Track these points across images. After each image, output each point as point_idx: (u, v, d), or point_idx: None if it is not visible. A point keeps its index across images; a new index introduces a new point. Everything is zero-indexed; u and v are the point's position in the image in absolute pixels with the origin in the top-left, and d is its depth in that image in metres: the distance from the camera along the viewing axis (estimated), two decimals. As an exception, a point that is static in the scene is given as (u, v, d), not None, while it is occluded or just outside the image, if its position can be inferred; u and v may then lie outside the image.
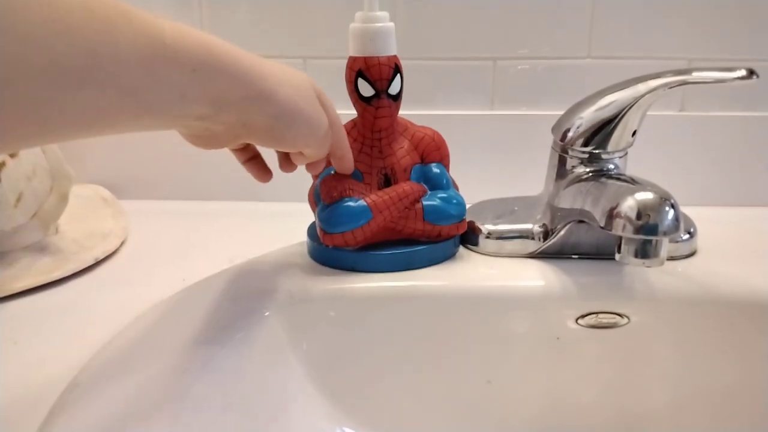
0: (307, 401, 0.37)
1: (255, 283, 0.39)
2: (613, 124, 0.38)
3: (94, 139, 0.59)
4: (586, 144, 0.39)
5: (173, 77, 0.24)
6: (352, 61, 0.38)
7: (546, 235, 0.41)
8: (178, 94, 0.24)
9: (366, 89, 0.38)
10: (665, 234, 0.32)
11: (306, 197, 0.43)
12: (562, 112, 0.41)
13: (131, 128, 0.24)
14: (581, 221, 0.39)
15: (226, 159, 0.58)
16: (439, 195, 0.40)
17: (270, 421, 0.34)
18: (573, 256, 0.41)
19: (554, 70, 0.55)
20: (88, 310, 0.39)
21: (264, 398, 0.35)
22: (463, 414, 0.40)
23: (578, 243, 0.41)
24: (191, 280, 0.40)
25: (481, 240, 0.43)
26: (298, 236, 0.44)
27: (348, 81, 0.39)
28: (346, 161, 0.38)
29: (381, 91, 0.38)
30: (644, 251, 0.34)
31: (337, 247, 0.39)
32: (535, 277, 0.40)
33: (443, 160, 0.42)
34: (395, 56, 0.38)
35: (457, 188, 0.42)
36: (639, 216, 0.32)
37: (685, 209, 0.36)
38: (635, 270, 0.40)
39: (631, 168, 0.40)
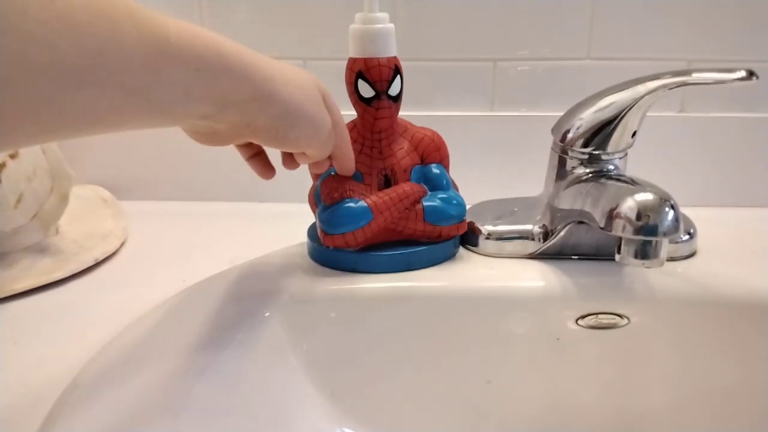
0: (307, 401, 0.37)
1: (255, 283, 0.39)
2: (613, 125, 0.38)
3: (94, 140, 0.59)
4: (585, 145, 0.39)
5: (177, 76, 0.23)
6: (352, 62, 0.38)
7: (546, 235, 0.41)
8: (182, 93, 0.24)
9: (366, 90, 0.38)
10: (665, 235, 0.32)
11: (306, 198, 0.43)
12: (561, 113, 0.41)
13: (134, 126, 0.24)
14: (581, 222, 0.39)
15: (226, 159, 0.58)
16: (440, 196, 0.40)
17: (270, 421, 0.34)
18: (573, 257, 0.42)
19: (554, 71, 0.55)
20: (88, 310, 0.39)
21: (264, 398, 0.35)
22: (463, 414, 0.40)
23: (578, 244, 0.41)
24: (192, 281, 0.40)
25: (481, 241, 0.43)
26: (299, 237, 0.44)
27: (348, 82, 0.39)
28: (348, 162, 0.38)
29: (381, 92, 0.38)
30: (644, 252, 0.34)
31: (338, 248, 0.39)
32: (535, 277, 0.40)
33: (443, 161, 0.42)
34: (395, 57, 0.39)
35: (457, 189, 0.42)
36: (639, 217, 0.32)
37: (684, 210, 0.36)
38: (635, 271, 0.40)
39: (631, 169, 0.40)
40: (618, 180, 0.36)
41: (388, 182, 0.41)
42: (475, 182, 0.48)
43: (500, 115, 0.56)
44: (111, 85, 0.21)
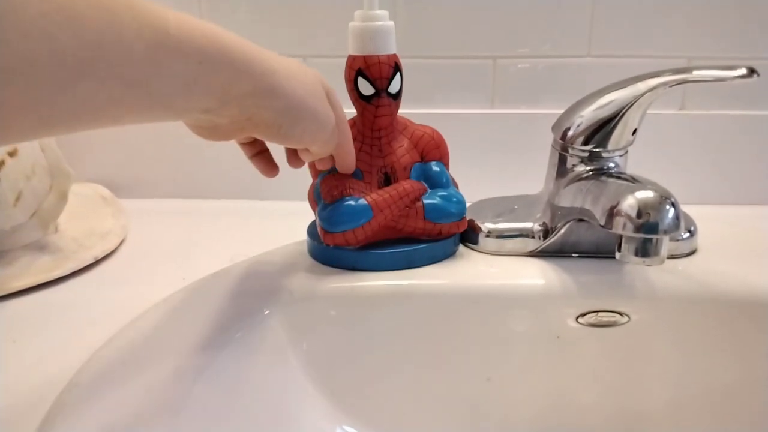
0: (307, 400, 0.37)
1: (255, 282, 0.39)
2: (614, 123, 0.38)
3: (93, 138, 0.59)
4: (586, 142, 0.39)
5: (178, 69, 0.23)
6: (352, 59, 0.38)
7: (546, 233, 0.41)
8: (183, 86, 0.24)
9: (366, 88, 0.38)
10: (665, 232, 0.32)
11: (306, 196, 0.43)
12: (562, 111, 0.41)
13: (135, 120, 0.24)
14: (581, 220, 0.39)
15: (226, 157, 0.58)
16: (440, 193, 0.40)
17: (270, 420, 0.34)
18: (573, 255, 0.41)
19: (554, 69, 0.55)
20: (87, 309, 0.39)
21: (264, 397, 0.35)
22: (463, 413, 0.40)
23: (578, 241, 0.41)
24: (191, 279, 0.40)
25: (481, 238, 0.43)
26: (299, 235, 0.44)
27: (348, 80, 0.39)
28: (349, 160, 0.38)
29: (381, 90, 0.38)
30: (644, 250, 0.33)
31: (338, 246, 0.39)
32: (535, 275, 0.40)
33: (443, 159, 0.42)
34: (395, 55, 0.38)
35: (456, 187, 0.42)
36: (639, 214, 0.32)
37: (685, 208, 0.36)
38: (635, 268, 0.40)
39: (632, 167, 0.40)
40: (618, 178, 0.36)
41: (388, 180, 0.41)
42: (475, 180, 0.48)
43: (500, 113, 0.56)
44: (111, 78, 0.21)
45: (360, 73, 0.38)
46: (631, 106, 0.37)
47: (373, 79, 0.38)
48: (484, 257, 0.42)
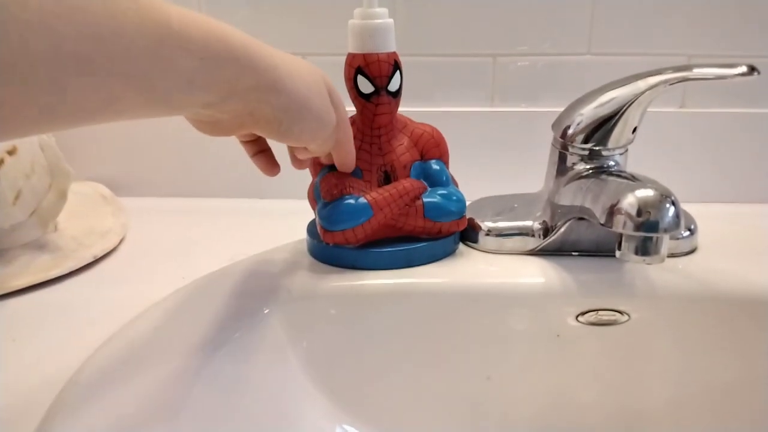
0: (306, 399, 0.37)
1: (255, 280, 0.39)
2: (614, 121, 0.37)
3: (93, 137, 0.59)
4: (586, 141, 0.39)
5: (180, 63, 0.23)
6: (352, 57, 0.38)
7: (546, 232, 0.41)
8: (185, 81, 0.23)
9: (365, 86, 0.38)
10: (666, 231, 0.32)
11: (306, 195, 0.43)
12: (562, 109, 0.41)
13: (136, 115, 0.23)
14: (581, 218, 0.39)
15: (225, 156, 0.58)
16: (439, 192, 0.40)
17: (270, 419, 0.34)
18: (573, 253, 0.41)
19: (554, 67, 0.55)
20: (87, 308, 0.39)
21: (264, 396, 0.35)
22: (463, 411, 0.40)
23: (578, 240, 0.41)
24: (191, 278, 0.40)
25: (481, 237, 0.42)
26: (298, 234, 0.44)
27: (347, 78, 0.39)
28: (349, 160, 0.38)
29: (380, 88, 0.38)
30: (645, 248, 0.33)
31: (338, 245, 0.39)
32: (535, 274, 0.40)
33: (443, 157, 0.42)
34: (395, 53, 0.38)
35: (456, 185, 0.42)
36: (639, 213, 0.32)
37: (685, 206, 0.36)
38: (635, 267, 0.40)
39: (632, 165, 0.40)
40: (618, 176, 0.36)
41: (387, 178, 0.41)
42: (475, 178, 0.48)
43: (500, 111, 0.56)
44: (112, 72, 0.20)
45: (359, 71, 0.38)
46: (632, 104, 0.37)
47: (373, 77, 0.38)
48: (484, 256, 0.42)
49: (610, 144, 0.38)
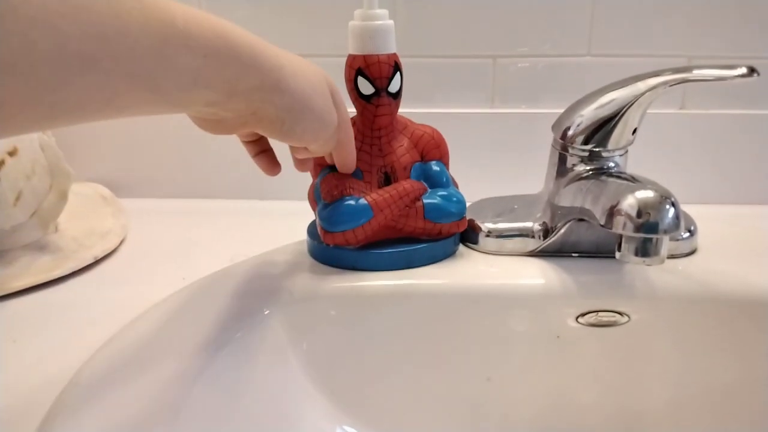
0: (306, 400, 0.37)
1: (255, 281, 0.39)
2: (614, 122, 0.38)
3: (94, 138, 0.59)
4: (586, 142, 0.39)
5: (184, 62, 0.23)
6: (352, 59, 0.38)
7: (546, 233, 0.41)
8: (189, 80, 0.23)
9: (366, 87, 0.38)
10: (665, 232, 0.32)
11: (306, 196, 0.43)
12: (562, 110, 0.41)
13: (139, 113, 0.23)
14: (581, 219, 0.39)
15: (225, 157, 0.58)
16: (440, 193, 0.40)
17: (270, 420, 0.34)
18: (573, 255, 0.41)
19: (554, 68, 0.55)
20: (87, 308, 0.39)
21: (264, 397, 0.35)
22: (463, 412, 0.40)
23: (578, 241, 0.41)
24: (191, 279, 0.40)
25: (481, 238, 0.43)
26: (299, 235, 0.44)
27: (347, 79, 0.39)
28: (350, 161, 0.38)
29: (381, 89, 0.38)
30: (644, 249, 0.33)
31: (338, 246, 0.39)
32: (535, 275, 0.40)
33: (443, 158, 0.42)
34: (395, 54, 0.38)
35: (456, 186, 0.42)
36: (639, 214, 0.32)
37: (685, 207, 0.36)
38: (635, 268, 0.40)
39: (632, 166, 0.40)
40: (618, 177, 0.36)
41: (388, 180, 0.41)
42: (475, 179, 0.48)
43: (500, 112, 0.56)
44: (115, 71, 0.20)
45: (360, 72, 0.38)
46: (631, 105, 0.37)
47: (373, 78, 0.38)
48: (484, 257, 0.42)
49: (610, 145, 0.39)
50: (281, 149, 0.38)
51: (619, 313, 0.39)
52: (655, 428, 0.40)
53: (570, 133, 0.39)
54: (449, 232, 0.41)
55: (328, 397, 0.38)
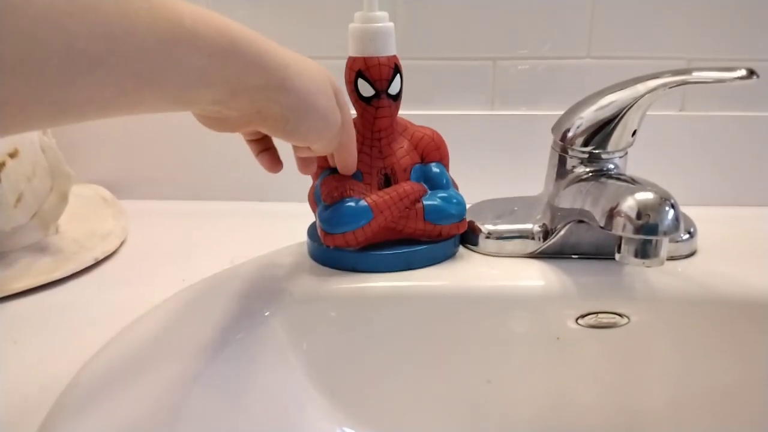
0: (307, 401, 0.37)
1: (255, 283, 0.39)
2: (613, 124, 0.38)
3: (94, 139, 0.59)
4: (586, 144, 0.39)
5: (190, 61, 0.23)
6: (352, 61, 0.38)
7: (546, 235, 0.41)
8: (195, 79, 0.23)
9: (366, 89, 0.38)
10: (665, 234, 0.32)
11: (306, 197, 0.43)
12: (561, 112, 0.41)
13: (144, 111, 0.23)
14: (581, 221, 0.39)
15: (226, 159, 0.58)
16: (440, 194, 0.40)
17: (270, 420, 0.34)
18: (573, 256, 0.41)
19: (554, 70, 0.55)
20: (87, 310, 0.39)
21: (264, 398, 0.35)
22: (463, 414, 0.40)
23: (578, 243, 0.41)
24: (192, 281, 0.40)
25: (481, 240, 0.43)
26: (299, 236, 0.44)
27: (347, 81, 0.39)
28: (351, 162, 0.38)
29: (381, 91, 0.38)
30: (644, 251, 0.34)
31: (338, 248, 0.39)
32: (535, 277, 0.40)
33: (443, 160, 0.42)
34: (395, 56, 0.38)
35: (456, 188, 0.42)
36: (639, 216, 0.32)
37: (685, 209, 0.36)
38: (635, 270, 0.40)
39: (631, 168, 0.40)
40: (618, 179, 0.36)
41: (388, 181, 0.41)
42: (475, 181, 0.48)
43: (500, 114, 0.56)
44: (122, 70, 0.20)
45: (360, 74, 0.38)
46: (631, 107, 0.37)
47: (373, 80, 0.38)
48: (484, 258, 0.42)
49: (610, 147, 0.39)
50: (283, 150, 0.38)
51: (619, 315, 0.39)
52: (654, 429, 0.40)
53: (570, 134, 0.39)
54: (449, 234, 0.41)
55: (329, 398, 0.38)
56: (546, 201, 0.42)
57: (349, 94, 0.39)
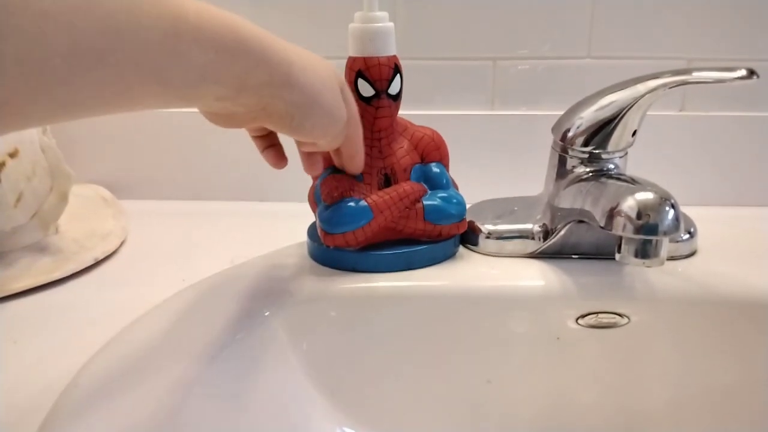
0: (307, 401, 0.37)
1: (255, 283, 0.39)
2: (613, 124, 0.38)
3: (94, 139, 0.59)
4: (586, 144, 0.39)
5: (195, 58, 0.23)
6: (352, 61, 0.38)
7: (546, 235, 0.41)
8: (200, 75, 0.23)
9: (366, 89, 0.38)
10: (665, 234, 0.32)
11: (306, 197, 0.43)
12: (562, 112, 0.41)
13: (148, 106, 0.23)
14: (581, 221, 0.39)
15: (226, 158, 0.58)
16: (440, 194, 0.40)
17: (270, 421, 0.34)
18: (573, 256, 0.41)
19: (554, 70, 0.55)
20: (87, 310, 0.39)
21: (264, 398, 0.35)
22: (463, 414, 0.40)
23: (578, 243, 0.41)
24: (192, 281, 0.40)
25: (481, 240, 0.43)
26: (299, 236, 0.44)
27: (348, 81, 0.39)
28: (357, 160, 0.38)
29: (381, 91, 0.38)
30: (644, 251, 0.34)
31: (338, 248, 0.39)
32: (535, 277, 0.40)
33: (443, 160, 0.42)
34: (395, 56, 0.38)
35: (456, 188, 0.42)
36: (639, 216, 0.32)
37: (685, 209, 0.36)
38: (635, 270, 0.40)
39: (631, 168, 0.40)
40: (618, 179, 0.36)
41: (388, 181, 0.41)
42: (475, 181, 0.48)
43: (500, 114, 0.56)
44: (127, 65, 0.20)
45: (360, 74, 0.38)
46: (631, 107, 0.37)
47: (373, 80, 0.38)
48: (484, 258, 0.42)
49: (610, 147, 0.39)
50: (288, 147, 0.38)
51: (619, 315, 0.39)
52: (654, 430, 0.40)
53: (570, 134, 0.39)
54: (449, 234, 0.41)
55: (329, 398, 0.38)
56: (546, 201, 0.42)
57: (349, 94, 0.39)
